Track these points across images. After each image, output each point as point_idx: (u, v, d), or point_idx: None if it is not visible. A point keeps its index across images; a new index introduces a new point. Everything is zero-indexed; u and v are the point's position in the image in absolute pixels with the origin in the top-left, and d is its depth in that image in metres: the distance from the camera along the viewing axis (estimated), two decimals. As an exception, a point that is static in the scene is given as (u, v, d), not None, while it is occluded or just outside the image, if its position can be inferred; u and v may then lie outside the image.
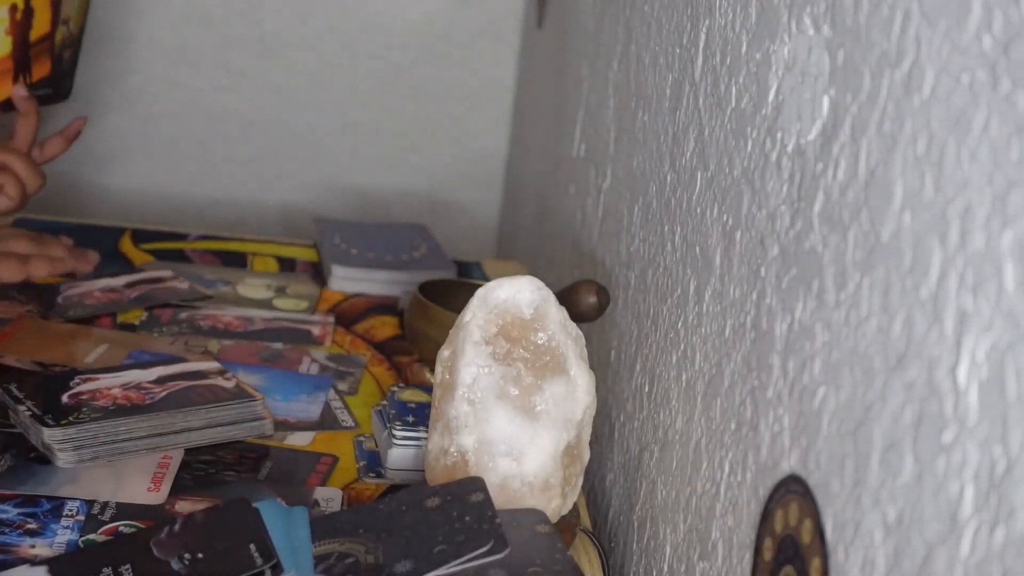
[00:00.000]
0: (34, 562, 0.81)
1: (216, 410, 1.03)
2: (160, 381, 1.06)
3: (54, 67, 1.37)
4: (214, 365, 1.10)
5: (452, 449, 0.88)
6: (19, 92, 1.31)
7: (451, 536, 0.80)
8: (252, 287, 1.41)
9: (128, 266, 1.44)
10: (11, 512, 0.89)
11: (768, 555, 0.71)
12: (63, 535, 0.87)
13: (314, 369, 1.21)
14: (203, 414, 1.02)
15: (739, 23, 0.83)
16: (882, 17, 0.61)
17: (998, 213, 0.50)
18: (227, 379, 1.08)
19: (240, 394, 1.05)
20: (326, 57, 2.00)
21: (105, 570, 0.79)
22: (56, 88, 1.39)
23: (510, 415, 0.87)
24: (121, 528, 0.89)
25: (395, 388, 1.08)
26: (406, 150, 2.06)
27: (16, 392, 1.02)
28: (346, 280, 1.45)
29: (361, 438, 1.07)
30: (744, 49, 0.82)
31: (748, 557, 0.74)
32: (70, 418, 0.98)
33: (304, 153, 2.05)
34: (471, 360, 0.87)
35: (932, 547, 0.53)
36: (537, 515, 0.85)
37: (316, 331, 1.31)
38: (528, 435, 0.87)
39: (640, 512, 1.01)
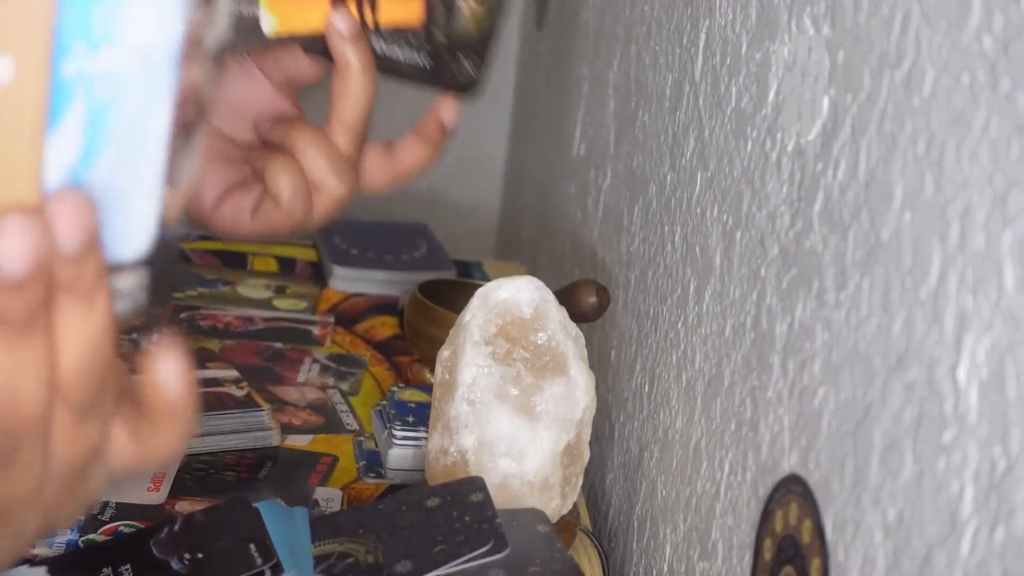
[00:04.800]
0: (34, 562, 0.81)
1: (217, 418, 1.02)
2: None
3: (429, 16, 0.66)
4: (231, 373, 1.10)
5: (452, 449, 0.88)
6: (339, 25, 0.64)
7: (451, 536, 0.80)
8: (252, 287, 1.41)
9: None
10: (11, 512, 0.89)
11: (768, 555, 0.71)
12: (63, 535, 0.87)
13: (315, 369, 1.21)
14: (202, 420, 1.02)
15: (739, 23, 0.83)
16: (882, 17, 0.61)
17: (998, 213, 0.50)
18: (240, 388, 1.08)
19: (247, 404, 1.05)
20: (326, 57, 2.00)
21: (105, 570, 0.79)
22: (438, 67, 0.69)
23: (510, 415, 0.87)
24: (121, 528, 0.89)
25: (395, 388, 1.08)
26: (406, 150, 2.06)
27: None
28: (346, 280, 1.45)
29: (361, 438, 1.07)
30: (744, 49, 0.82)
31: (748, 557, 0.74)
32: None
33: (304, 153, 2.04)
34: (471, 360, 0.87)
35: (932, 547, 0.53)
36: (537, 515, 0.85)
37: (316, 331, 1.31)
38: (528, 435, 0.87)
39: (640, 512, 1.01)
